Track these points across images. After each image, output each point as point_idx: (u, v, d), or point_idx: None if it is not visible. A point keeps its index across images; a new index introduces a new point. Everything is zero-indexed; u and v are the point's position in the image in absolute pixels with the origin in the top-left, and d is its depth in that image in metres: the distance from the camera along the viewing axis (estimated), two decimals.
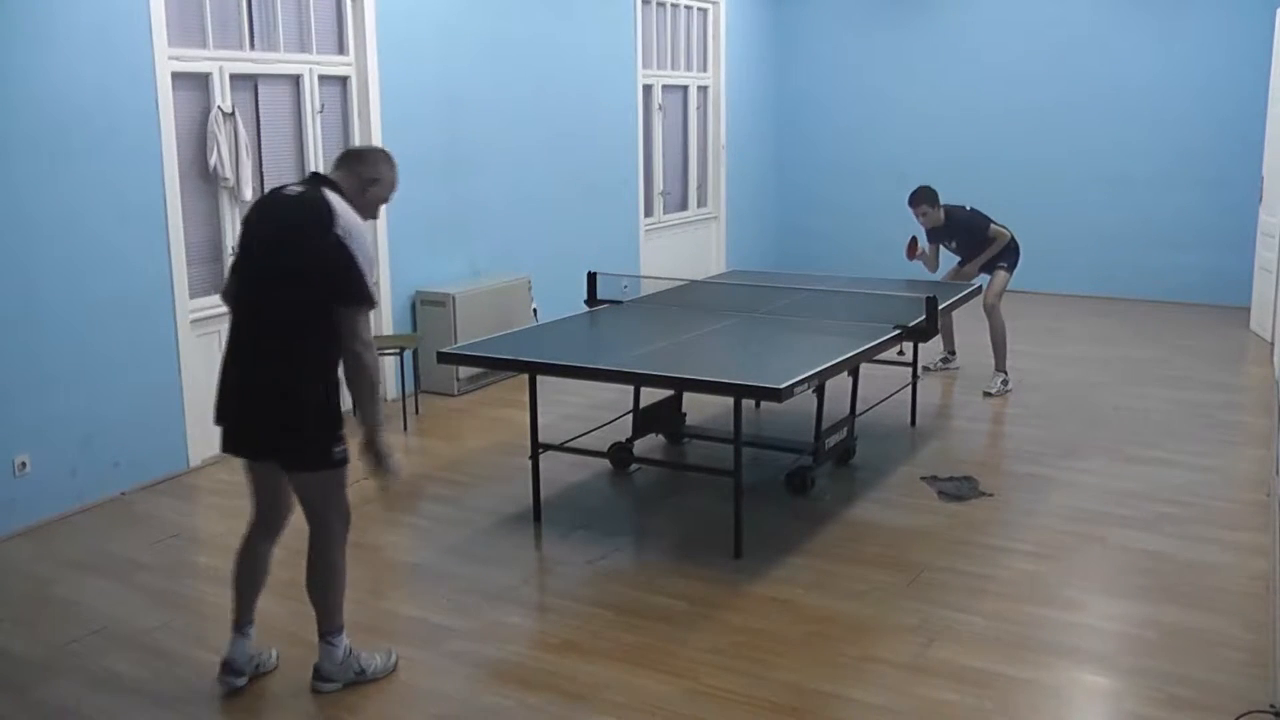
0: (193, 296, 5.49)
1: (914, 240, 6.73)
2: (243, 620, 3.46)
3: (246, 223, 3.31)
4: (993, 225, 6.76)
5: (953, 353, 7.23)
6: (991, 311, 6.71)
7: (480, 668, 3.60)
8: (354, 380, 3.17)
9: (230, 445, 3.32)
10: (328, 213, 3.09)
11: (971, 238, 6.78)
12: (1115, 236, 9.75)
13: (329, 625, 3.41)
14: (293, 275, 3.11)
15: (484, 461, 5.54)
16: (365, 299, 3.12)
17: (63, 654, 3.66)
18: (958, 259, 7.00)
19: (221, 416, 3.30)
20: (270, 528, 3.44)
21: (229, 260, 5.73)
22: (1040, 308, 9.32)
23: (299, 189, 3.24)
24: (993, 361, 6.79)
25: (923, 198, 6.68)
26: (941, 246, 6.92)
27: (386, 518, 4.86)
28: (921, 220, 6.74)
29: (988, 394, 6.65)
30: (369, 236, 3.24)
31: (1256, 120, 8.46)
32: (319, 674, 3.43)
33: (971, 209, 6.81)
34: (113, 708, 3.34)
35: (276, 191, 3.31)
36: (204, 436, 5.58)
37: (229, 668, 3.42)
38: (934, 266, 6.98)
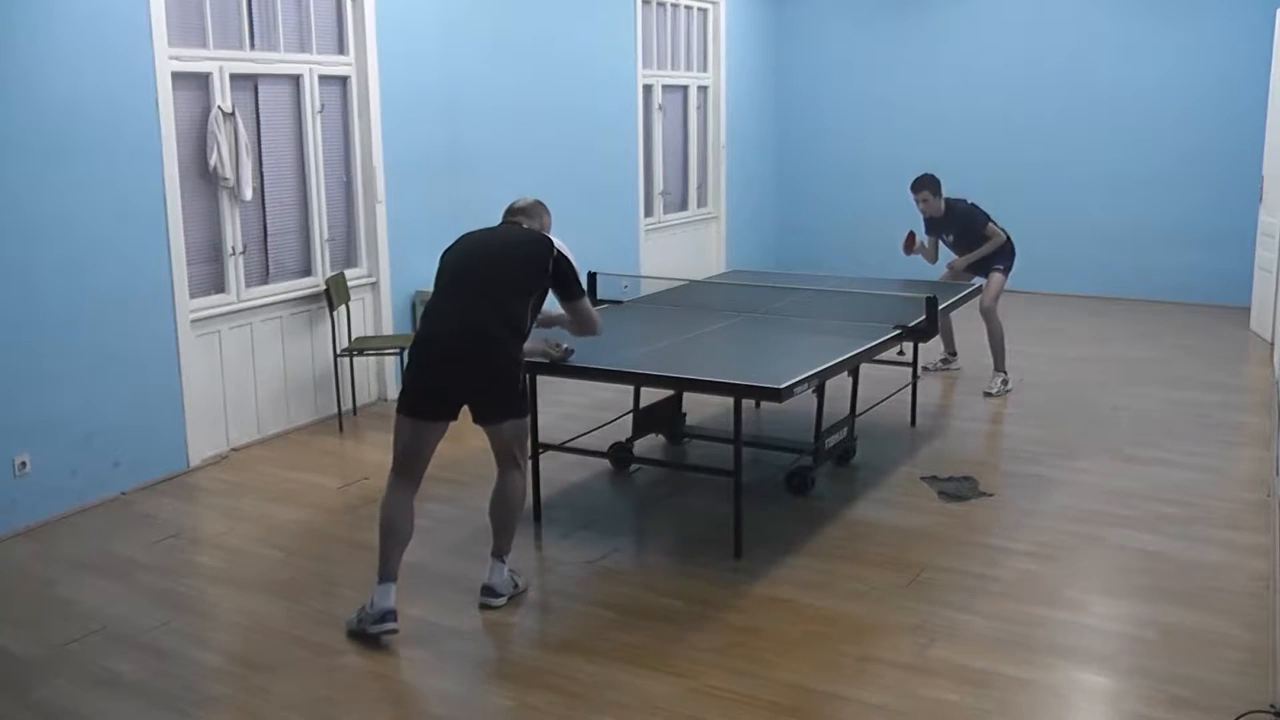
0: (193, 296, 5.49)
1: (911, 234, 6.72)
2: (386, 572, 3.78)
3: (458, 243, 4.09)
4: (990, 224, 6.74)
5: (954, 353, 7.22)
6: (989, 314, 6.69)
7: (480, 668, 3.61)
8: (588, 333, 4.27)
9: (427, 408, 3.83)
10: (546, 240, 4.04)
11: (968, 232, 6.74)
12: (1115, 236, 9.75)
13: (503, 546, 4.01)
14: (519, 274, 3.92)
15: (484, 461, 5.51)
16: (583, 291, 4.19)
17: (63, 654, 3.66)
18: (953, 255, 6.98)
19: (430, 386, 3.84)
20: (415, 486, 3.92)
21: (230, 260, 5.74)
22: (1040, 308, 9.32)
23: (514, 224, 4.15)
24: (991, 363, 6.78)
25: (925, 184, 6.66)
26: (940, 241, 6.91)
27: None
28: (922, 207, 6.71)
29: (988, 394, 6.65)
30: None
31: (1256, 120, 8.45)
32: (490, 590, 3.97)
33: (971, 204, 6.78)
34: (113, 708, 3.34)
35: (490, 228, 4.16)
36: (204, 436, 5.59)
37: (389, 615, 3.70)
38: (933, 258, 6.96)
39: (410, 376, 3.87)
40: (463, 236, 4.12)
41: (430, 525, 4.74)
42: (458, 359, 3.79)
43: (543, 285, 3.95)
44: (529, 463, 4.09)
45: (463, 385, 3.81)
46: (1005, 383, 6.73)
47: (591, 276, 5.71)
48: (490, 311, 3.83)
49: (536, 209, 4.23)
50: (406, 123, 6.60)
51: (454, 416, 3.86)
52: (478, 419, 3.90)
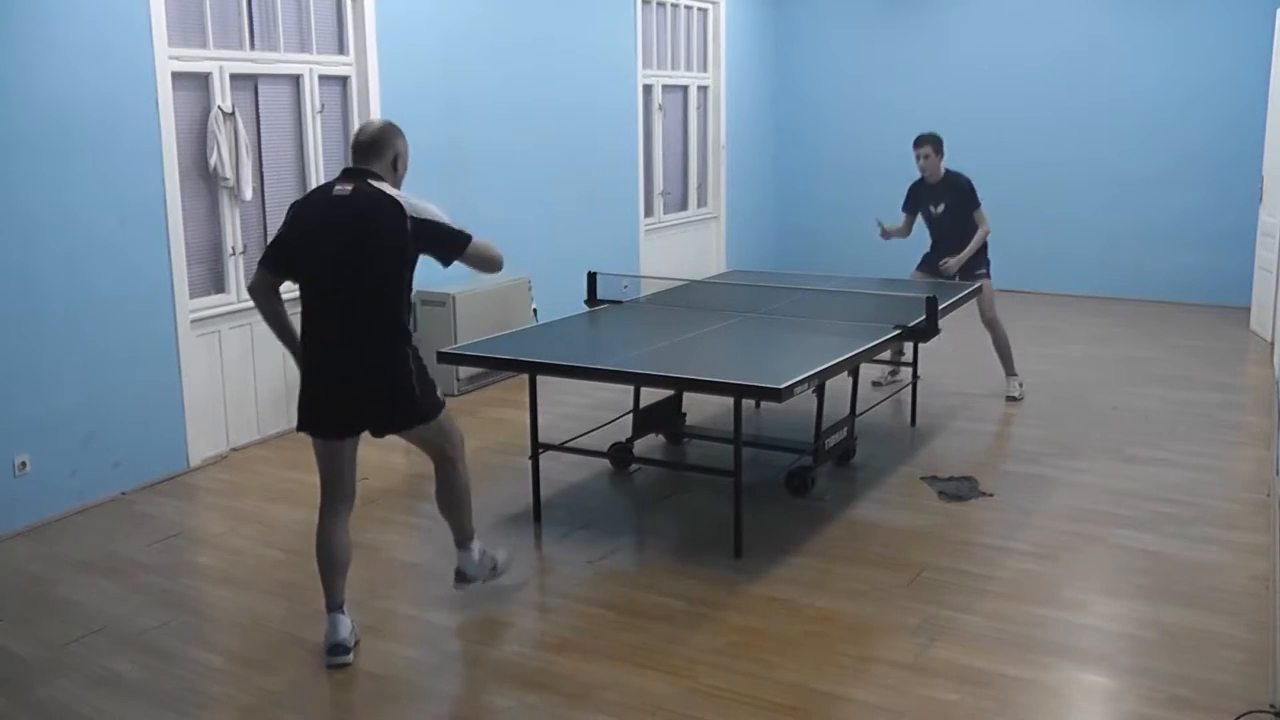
0: (193, 296, 5.49)
1: (880, 226, 6.71)
2: (333, 603, 3.64)
3: (300, 219, 3.60)
4: (981, 209, 6.58)
5: (900, 364, 6.86)
6: (993, 324, 6.57)
7: (480, 668, 3.60)
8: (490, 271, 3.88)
9: (326, 428, 3.58)
10: (390, 202, 3.51)
11: (959, 206, 6.57)
12: (1115, 236, 9.75)
13: (463, 535, 3.94)
14: (377, 258, 3.50)
15: (484, 461, 5.53)
16: (465, 238, 3.66)
17: (63, 654, 3.66)
18: (928, 252, 6.81)
19: (316, 404, 3.57)
20: (349, 505, 3.70)
21: (230, 260, 5.74)
22: (1040, 308, 9.33)
23: (349, 187, 3.53)
24: (1002, 369, 6.68)
25: (929, 140, 6.55)
26: (921, 215, 6.75)
27: (386, 518, 4.86)
28: (922, 164, 6.57)
29: (1012, 398, 6.57)
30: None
31: (1256, 120, 8.45)
32: (460, 576, 3.95)
33: (969, 180, 6.62)
34: (113, 708, 3.34)
35: (328, 190, 3.58)
36: (204, 436, 5.59)
37: (338, 649, 3.57)
38: (907, 233, 6.83)
39: (301, 391, 3.60)
40: (300, 210, 3.62)
41: (429, 525, 4.73)
42: (339, 379, 3.52)
43: (410, 258, 3.55)
44: (461, 441, 3.82)
45: (352, 403, 3.54)
46: (1020, 384, 6.67)
47: (591, 276, 5.71)
48: (360, 314, 3.49)
49: (384, 138, 3.64)
50: (406, 123, 6.47)
51: (357, 432, 3.62)
52: (380, 434, 3.66)
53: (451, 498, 3.87)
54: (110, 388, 5.08)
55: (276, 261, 3.60)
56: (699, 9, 9.78)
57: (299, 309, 3.60)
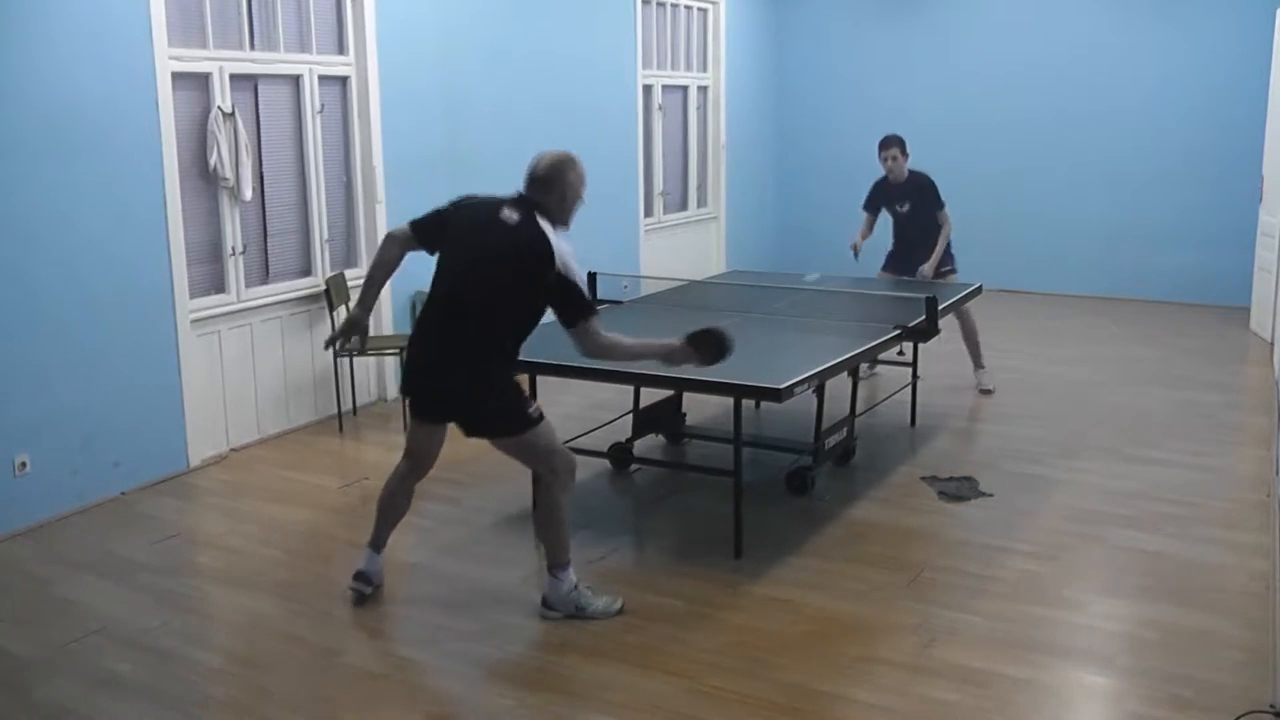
0: (193, 296, 5.49)
1: (854, 247, 6.80)
2: (374, 540, 4.00)
3: (464, 216, 3.75)
4: (944, 208, 6.68)
5: (878, 360, 6.77)
6: (964, 314, 6.57)
7: (480, 668, 3.60)
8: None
9: (417, 408, 3.84)
10: (547, 250, 3.56)
11: (922, 206, 6.67)
12: (1115, 236, 9.75)
13: (553, 559, 3.83)
14: (507, 296, 3.61)
15: (484, 461, 5.52)
16: (590, 312, 3.65)
17: (63, 654, 3.66)
18: (891, 250, 6.88)
19: (412, 386, 3.83)
20: (421, 474, 4.01)
21: (230, 260, 5.74)
22: (1040, 308, 9.33)
23: (516, 216, 3.62)
24: (971, 363, 6.77)
25: (896, 141, 6.69)
26: (886, 213, 6.83)
27: None
28: (889, 165, 6.70)
29: (986, 391, 6.65)
30: (572, 248, 3.65)
31: (1256, 120, 8.45)
32: (545, 603, 3.85)
33: (932, 180, 6.72)
34: (113, 708, 3.34)
35: (497, 208, 3.67)
36: (204, 436, 5.59)
37: (362, 577, 3.96)
38: (869, 232, 6.90)
39: (404, 368, 3.86)
40: (467, 210, 3.75)
41: (430, 525, 4.74)
42: (431, 376, 3.70)
43: (537, 309, 3.67)
44: (563, 464, 3.79)
45: (439, 400, 3.76)
46: (991, 376, 6.74)
47: (591, 276, 5.70)
48: (466, 333, 3.61)
49: (557, 174, 3.69)
50: (406, 123, 6.60)
51: (443, 422, 3.86)
52: (468, 434, 3.81)
53: (540, 517, 3.93)
54: (110, 388, 5.08)
55: (426, 232, 3.76)
56: (699, 9, 9.78)
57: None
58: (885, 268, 6.92)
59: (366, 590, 3.97)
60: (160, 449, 5.34)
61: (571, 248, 3.64)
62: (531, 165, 3.71)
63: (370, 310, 3.89)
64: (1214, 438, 5.82)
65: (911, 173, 6.75)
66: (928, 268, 6.63)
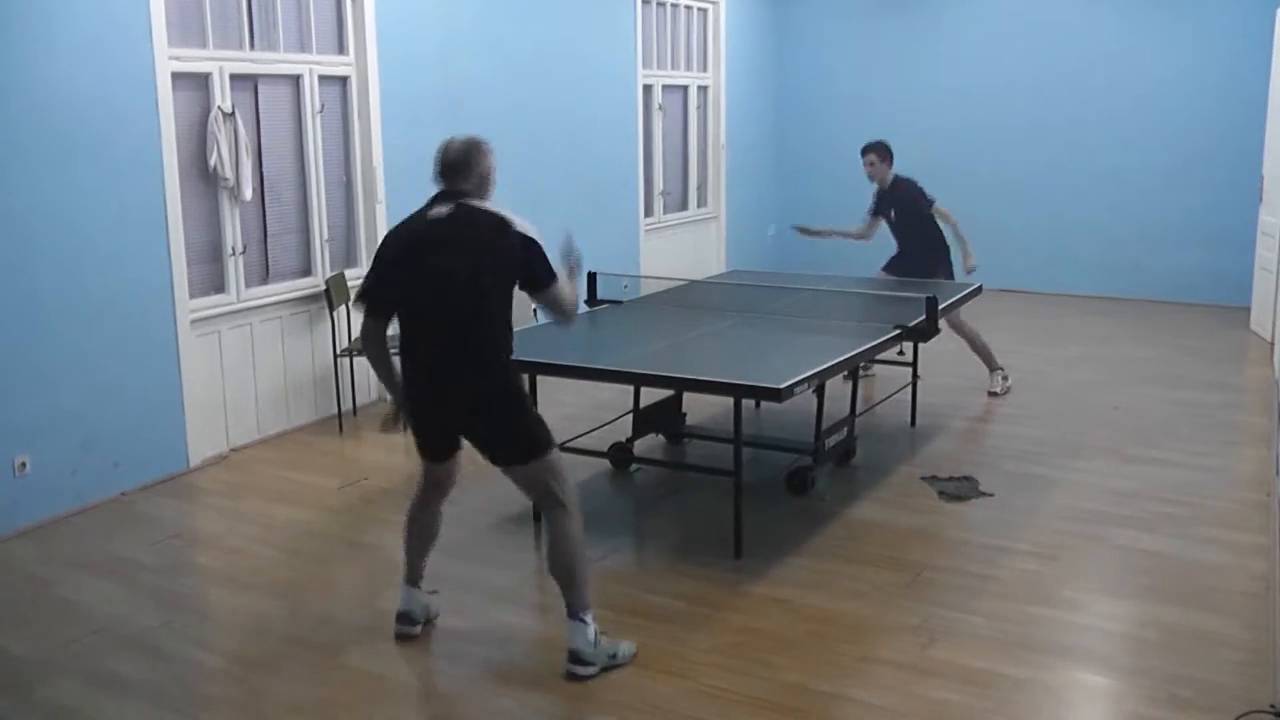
0: (193, 296, 5.49)
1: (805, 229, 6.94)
2: (412, 575, 3.76)
3: (393, 250, 3.48)
4: (936, 205, 6.62)
5: (875, 360, 6.71)
6: (959, 326, 6.59)
7: (480, 668, 3.60)
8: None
9: (423, 449, 3.65)
10: (496, 219, 3.42)
11: (909, 213, 6.65)
12: (1115, 236, 9.75)
13: (578, 602, 3.48)
14: (483, 274, 3.40)
15: (483, 462, 5.52)
16: (552, 272, 3.49)
17: (63, 654, 3.66)
18: (894, 255, 6.87)
19: (418, 427, 3.61)
20: (443, 496, 3.77)
21: (230, 260, 5.74)
22: (1040, 308, 9.33)
23: (444, 210, 3.42)
24: (984, 366, 6.76)
25: (874, 147, 6.66)
26: (885, 219, 6.83)
27: (386, 518, 4.86)
28: (869, 170, 6.68)
29: (993, 393, 6.64)
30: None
31: (1257, 120, 8.45)
32: (575, 657, 3.44)
33: (920, 187, 6.68)
34: (113, 708, 3.34)
35: (422, 216, 3.47)
36: (204, 436, 5.59)
37: (405, 618, 3.72)
38: (867, 235, 6.91)
39: (410, 422, 3.59)
40: (392, 242, 3.49)
41: None
42: (436, 404, 3.47)
43: (516, 276, 3.44)
44: (574, 495, 3.53)
45: (449, 429, 3.56)
46: (1005, 377, 6.72)
47: (591, 276, 5.71)
48: (461, 332, 3.39)
49: (471, 157, 3.45)
50: (406, 123, 6.59)
51: (451, 456, 3.65)
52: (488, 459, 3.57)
53: (558, 553, 3.50)
54: (110, 388, 5.08)
55: (380, 303, 3.47)
56: (699, 9, 9.78)
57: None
58: (884, 267, 6.94)
59: (413, 631, 3.71)
60: (160, 449, 5.34)
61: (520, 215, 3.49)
62: (440, 156, 3.46)
63: (399, 384, 3.54)
64: (1214, 438, 5.82)
65: (897, 178, 6.72)
66: (968, 264, 6.63)
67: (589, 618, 3.47)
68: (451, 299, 3.39)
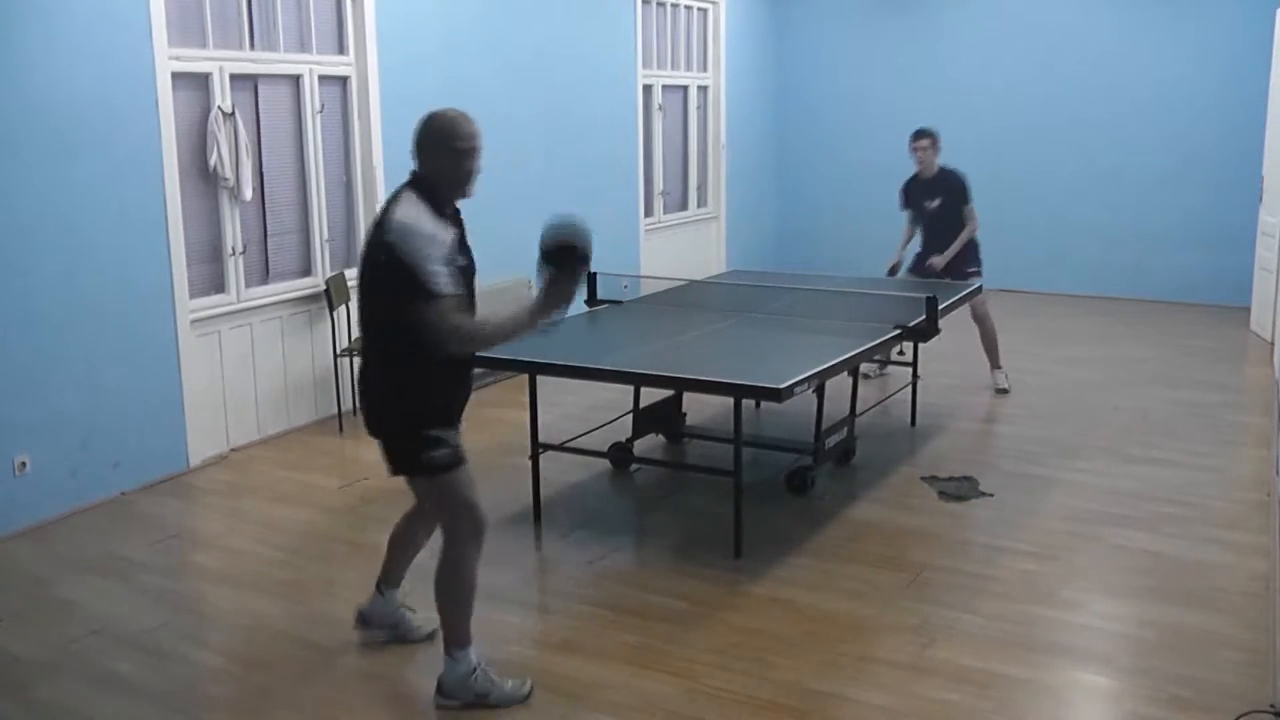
0: (193, 296, 5.49)
1: (893, 267, 6.84)
2: (383, 579, 3.69)
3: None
4: (971, 204, 6.64)
5: (889, 361, 6.86)
6: (983, 320, 6.66)
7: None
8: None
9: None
10: (384, 222, 3.06)
11: (951, 202, 6.64)
12: (1115, 236, 9.75)
13: (451, 636, 3.30)
14: (368, 286, 3.14)
15: (484, 461, 5.52)
16: (427, 295, 2.95)
17: (63, 654, 3.66)
18: (919, 250, 6.86)
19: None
20: (420, 512, 3.62)
21: (230, 260, 5.74)
22: (1040, 308, 9.33)
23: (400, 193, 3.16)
24: (988, 363, 6.79)
25: (928, 133, 6.66)
26: (921, 208, 6.80)
27: (386, 518, 4.84)
28: (919, 155, 6.66)
29: (1002, 390, 6.66)
30: (428, 227, 3.02)
31: (1256, 120, 8.45)
32: (440, 689, 3.31)
33: (963, 176, 6.68)
34: (113, 708, 3.34)
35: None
36: (204, 436, 5.59)
37: (360, 619, 3.68)
38: (912, 236, 6.90)
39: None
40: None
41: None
42: (364, 409, 3.28)
43: (389, 288, 3.02)
44: (469, 527, 3.27)
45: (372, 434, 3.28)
46: (1006, 377, 6.75)
47: (591, 276, 5.70)
48: (366, 344, 3.23)
49: (419, 132, 3.18)
50: (406, 123, 6.51)
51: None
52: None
53: (438, 581, 3.30)
54: (110, 388, 5.08)
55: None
56: (699, 9, 9.78)
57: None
58: (912, 269, 6.87)
59: (370, 634, 3.67)
60: (160, 449, 5.34)
61: (428, 225, 3.01)
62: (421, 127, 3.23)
63: (521, 312, 3.31)
64: (1214, 438, 5.82)
65: (942, 168, 6.71)
66: (939, 260, 6.61)
67: (460, 654, 3.26)
68: (360, 309, 3.22)
